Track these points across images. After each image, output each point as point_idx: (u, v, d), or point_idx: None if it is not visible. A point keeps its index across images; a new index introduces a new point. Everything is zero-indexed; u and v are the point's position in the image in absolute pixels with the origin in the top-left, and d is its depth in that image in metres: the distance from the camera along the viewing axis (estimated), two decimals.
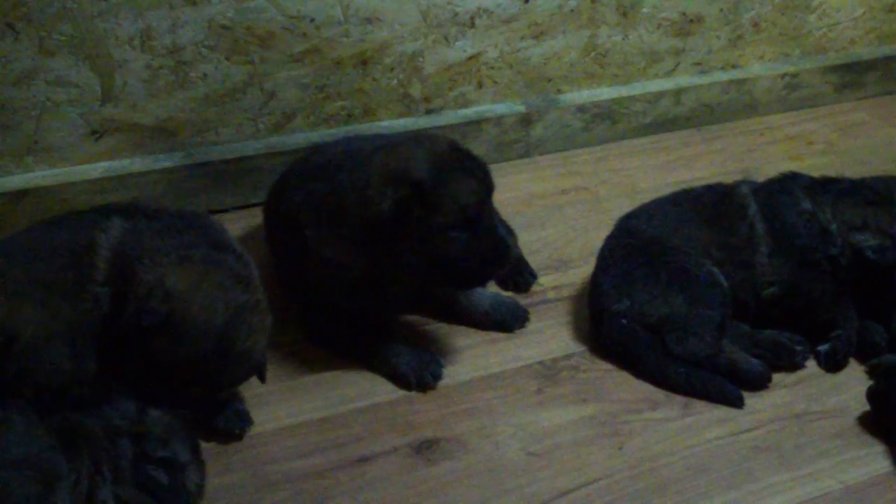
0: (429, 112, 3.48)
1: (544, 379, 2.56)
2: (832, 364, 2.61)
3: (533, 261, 2.97)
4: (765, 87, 4.02)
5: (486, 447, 2.34)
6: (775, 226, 2.65)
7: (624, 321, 2.58)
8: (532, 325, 2.74)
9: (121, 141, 3.06)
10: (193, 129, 3.14)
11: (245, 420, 2.35)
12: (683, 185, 2.91)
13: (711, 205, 2.73)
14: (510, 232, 2.98)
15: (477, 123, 3.52)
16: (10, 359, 2.14)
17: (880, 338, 2.64)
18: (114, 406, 2.10)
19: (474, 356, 2.63)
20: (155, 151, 3.12)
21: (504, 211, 3.06)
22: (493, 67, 3.53)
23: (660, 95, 3.82)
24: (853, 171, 2.92)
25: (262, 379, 2.36)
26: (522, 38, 3.52)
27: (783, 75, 4.04)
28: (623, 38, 3.72)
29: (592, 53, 3.69)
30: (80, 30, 2.85)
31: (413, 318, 2.76)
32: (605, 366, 2.60)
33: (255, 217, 3.05)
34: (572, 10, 3.56)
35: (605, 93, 3.76)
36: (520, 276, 2.89)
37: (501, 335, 2.71)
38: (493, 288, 2.86)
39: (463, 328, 2.72)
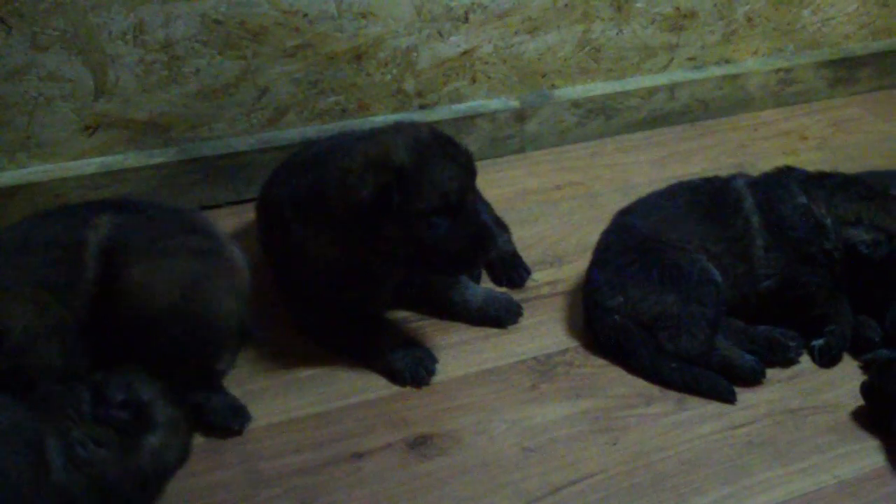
0: (423, 107, 3.48)
1: (539, 374, 2.56)
2: (826, 359, 2.61)
3: (527, 256, 2.96)
4: (759, 82, 4.02)
5: (481, 443, 2.34)
6: (771, 219, 2.65)
7: (617, 317, 2.58)
8: (526, 321, 2.74)
9: (114, 136, 3.05)
10: (186, 124, 3.13)
11: (244, 416, 2.35)
12: (678, 181, 2.90)
13: (707, 198, 2.72)
14: (503, 227, 2.98)
15: (471, 119, 3.52)
16: (1, 355, 2.14)
17: (874, 333, 2.64)
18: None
19: (468, 352, 2.63)
20: (148, 147, 3.11)
21: (498, 206, 3.06)
22: (487, 62, 3.52)
23: (654, 90, 3.82)
24: (847, 167, 2.93)
25: (247, 339, 2.38)
26: (516, 33, 3.52)
27: (777, 70, 4.05)
28: (617, 34, 3.72)
29: (586, 48, 3.69)
30: (72, 24, 2.85)
31: (406, 313, 2.75)
32: (600, 361, 2.60)
33: (249, 212, 3.05)
34: (566, 5, 3.55)
35: (600, 88, 3.76)
36: (514, 271, 2.89)
37: (495, 331, 2.70)
38: (487, 284, 2.86)
39: (457, 324, 2.72)
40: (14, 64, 2.83)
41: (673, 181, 2.90)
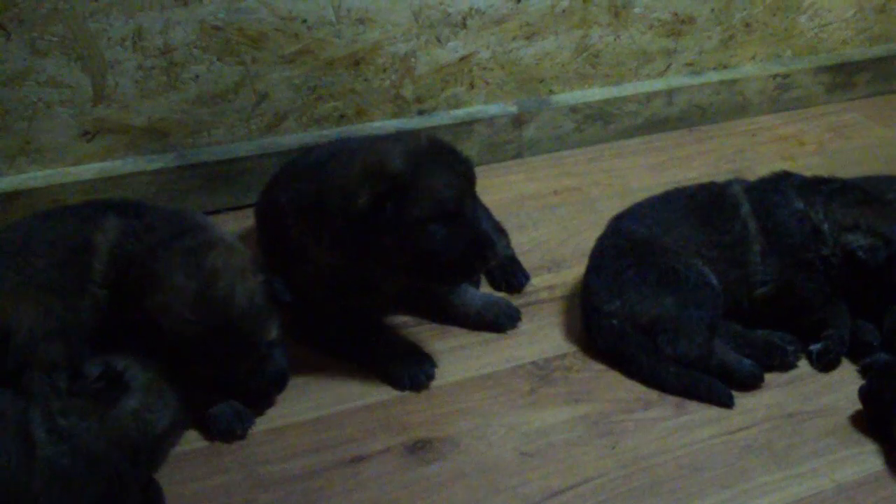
0: (421, 113, 3.48)
1: (537, 379, 2.56)
2: (824, 363, 2.61)
3: (525, 261, 2.97)
4: (756, 87, 4.03)
5: (480, 447, 2.34)
6: (768, 225, 2.65)
7: (615, 322, 2.58)
8: (525, 326, 2.74)
9: (113, 142, 3.05)
10: (185, 129, 3.14)
11: (247, 419, 2.35)
12: (675, 186, 2.91)
13: (704, 204, 2.73)
14: (502, 232, 2.99)
15: (469, 124, 3.53)
16: (7, 354, 2.15)
17: (872, 337, 2.65)
18: None
19: (467, 356, 2.63)
20: (147, 152, 3.12)
21: (496, 211, 3.07)
22: (484, 68, 3.53)
23: (652, 96, 3.83)
24: (844, 172, 2.93)
25: (282, 305, 2.36)
26: (514, 38, 3.53)
27: (775, 76, 4.06)
28: (615, 39, 3.73)
29: (584, 54, 3.70)
30: (71, 30, 2.85)
31: (406, 318, 2.76)
32: (598, 366, 2.61)
33: (248, 218, 3.05)
34: (564, 11, 3.56)
35: (597, 93, 3.77)
36: (512, 276, 2.90)
37: (494, 335, 2.70)
38: (485, 288, 2.86)
39: (456, 328, 2.72)
40: (13, 69, 2.83)
41: (671, 186, 2.90)
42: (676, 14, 3.79)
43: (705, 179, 2.91)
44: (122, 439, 2.01)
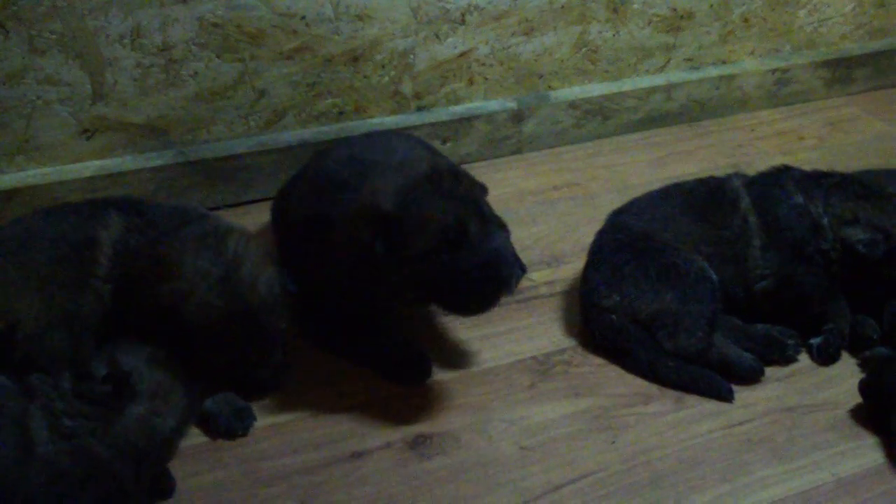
0: (420, 109, 3.48)
1: (537, 374, 2.56)
2: (824, 357, 2.62)
3: (525, 257, 2.96)
4: (755, 82, 4.03)
5: (480, 442, 2.34)
6: (767, 219, 2.65)
7: (614, 317, 2.58)
8: (525, 321, 2.75)
9: (112, 139, 3.05)
10: (184, 127, 3.14)
11: (248, 417, 2.35)
12: (675, 181, 2.91)
13: (703, 198, 2.73)
14: (503, 227, 2.97)
15: (468, 120, 3.52)
16: (14, 346, 2.15)
17: (872, 331, 2.65)
18: None
19: (467, 351, 2.63)
20: (146, 150, 3.11)
21: (496, 207, 3.03)
22: (484, 64, 3.53)
23: (651, 91, 3.83)
24: (843, 166, 2.93)
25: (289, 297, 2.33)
26: (513, 34, 3.53)
27: (774, 71, 4.05)
28: (614, 35, 3.72)
29: (583, 50, 3.69)
30: (70, 28, 2.85)
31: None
32: (598, 360, 2.61)
33: (247, 215, 3.06)
34: (563, 7, 3.56)
35: (597, 89, 3.77)
36: None
37: (494, 330, 2.70)
38: None
39: (455, 324, 2.71)
40: (12, 67, 2.83)
41: (670, 181, 2.91)
42: (675, 9, 3.79)
43: (705, 174, 2.90)
44: (127, 447, 2.00)
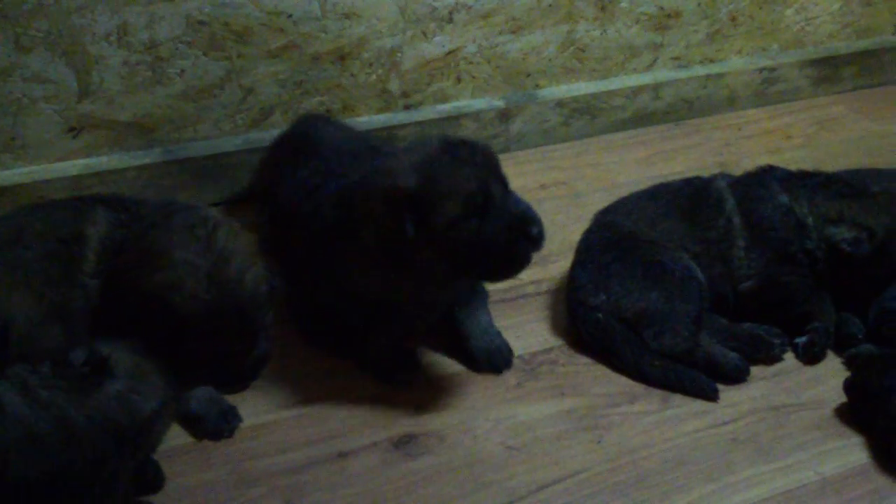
0: (407, 107, 3.48)
1: (523, 373, 2.56)
2: (810, 356, 2.62)
3: None
4: (743, 81, 4.04)
5: (466, 441, 2.34)
6: (752, 219, 2.66)
7: (600, 315, 2.58)
8: (511, 320, 2.74)
9: (98, 138, 3.04)
10: (171, 125, 3.13)
11: (233, 418, 2.35)
12: (662, 180, 2.92)
13: (689, 199, 2.74)
14: None
15: (455, 119, 3.52)
16: (9, 342, 2.14)
17: (857, 330, 2.66)
18: None
19: (453, 351, 2.63)
20: (133, 148, 3.11)
21: None
22: (471, 62, 3.53)
23: (638, 90, 3.83)
24: (831, 165, 2.94)
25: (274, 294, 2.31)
26: (501, 32, 3.53)
27: (761, 69, 4.06)
28: (601, 33, 3.73)
29: (571, 48, 3.70)
30: (56, 26, 2.84)
31: None
32: (584, 360, 2.61)
33: (234, 213, 3.05)
34: (550, 5, 3.56)
35: (584, 88, 3.77)
36: None
37: None
38: None
39: (441, 324, 2.69)
40: None
41: (658, 180, 2.92)
42: (663, 8, 3.79)
43: (692, 173, 2.91)
44: (107, 421, 1.99)
